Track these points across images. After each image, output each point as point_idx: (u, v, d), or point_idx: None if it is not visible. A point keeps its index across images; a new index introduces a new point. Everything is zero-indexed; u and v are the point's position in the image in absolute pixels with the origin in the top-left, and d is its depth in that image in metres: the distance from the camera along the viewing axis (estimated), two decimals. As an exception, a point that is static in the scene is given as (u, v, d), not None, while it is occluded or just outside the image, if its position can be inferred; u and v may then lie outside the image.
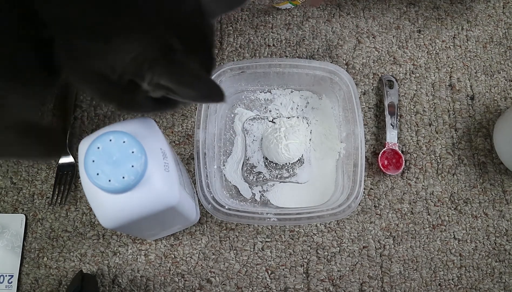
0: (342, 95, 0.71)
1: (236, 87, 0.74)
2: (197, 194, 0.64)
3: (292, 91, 0.75)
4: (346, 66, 0.78)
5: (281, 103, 0.75)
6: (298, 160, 0.72)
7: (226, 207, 0.63)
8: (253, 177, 0.72)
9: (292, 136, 0.71)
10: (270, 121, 0.74)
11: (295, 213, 0.66)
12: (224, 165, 0.72)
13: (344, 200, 0.65)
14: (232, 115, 0.75)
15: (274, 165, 0.72)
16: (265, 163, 0.72)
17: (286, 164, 0.72)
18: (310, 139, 0.73)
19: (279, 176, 0.72)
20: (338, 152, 0.72)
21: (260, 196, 0.71)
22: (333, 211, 0.64)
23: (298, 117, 0.74)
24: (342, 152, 0.71)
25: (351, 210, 0.64)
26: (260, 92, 0.75)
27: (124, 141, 0.46)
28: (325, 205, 0.68)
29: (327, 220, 0.66)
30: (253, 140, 0.73)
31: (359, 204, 0.71)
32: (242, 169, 0.72)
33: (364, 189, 0.72)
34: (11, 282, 0.67)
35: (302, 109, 0.75)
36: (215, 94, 0.46)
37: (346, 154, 0.70)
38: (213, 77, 0.68)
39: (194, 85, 0.46)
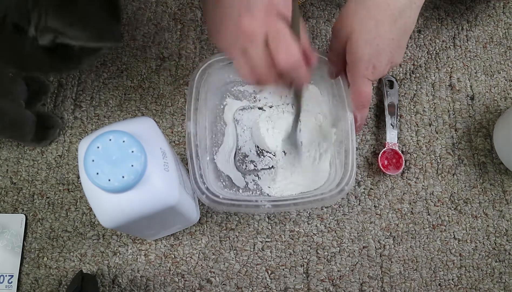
0: (330, 82, 0.70)
1: (225, 79, 0.73)
2: (191, 186, 0.63)
3: None
4: (346, 66, 0.78)
5: (269, 93, 0.74)
6: (290, 147, 0.72)
7: (221, 197, 0.62)
8: (246, 166, 0.72)
9: (282, 123, 0.71)
10: (259, 108, 0.74)
11: (289, 199, 0.65)
12: (216, 155, 0.72)
13: (336, 185, 0.64)
14: (222, 106, 0.74)
15: (266, 153, 0.72)
16: (257, 151, 0.72)
17: (278, 151, 0.72)
18: (300, 128, 0.72)
19: (271, 163, 0.72)
20: (330, 138, 0.71)
21: (254, 185, 0.71)
22: (325, 196, 0.63)
23: (288, 104, 0.74)
24: (333, 137, 0.70)
25: (344, 193, 0.63)
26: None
27: (123, 141, 0.46)
28: (318, 190, 0.67)
29: (320, 204, 0.65)
30: (244, 130, 0.73)
31: (359, 204, 0.71)
32: (234, 158, 0.72)
33: (364, 189, 0.72)
34: (11, 282, 0.67)
35: (292, 97, 0.74)
36: (109, 36, 0.41)
37: (337, 139, 0.69)
38: (200, 69, 0.67)
39: (84, 25, 0.40)
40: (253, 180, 0.71)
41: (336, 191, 0.63)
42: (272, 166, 0.72)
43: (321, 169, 0.71)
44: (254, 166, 0.72)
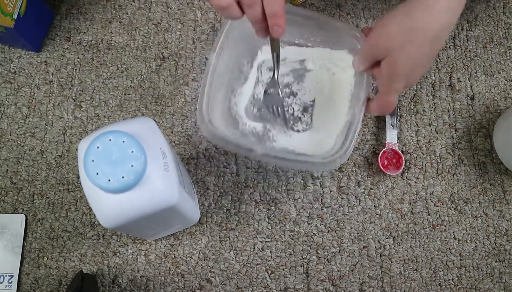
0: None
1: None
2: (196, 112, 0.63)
3: (314, 46, 0.75)
4: (346, 66, 0.78)
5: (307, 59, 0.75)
6: (305, 108, 0.72)
7: (219, 132, 0.63)
8: (258, 114, 0.71)
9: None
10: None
11: (280, 154, 0.65)
12: (233, 95, 0.71)
13: (331, 155, 0.64)
14: (257, 49, 0.74)
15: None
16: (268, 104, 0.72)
17: (292, 109, 0.72)
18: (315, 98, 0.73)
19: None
20: (345, 112, 0.70)
21: (260, 133, 0.70)
22: (315, 161, 0.63)
23: (319, 68, 0.74)
24: (347, 109, 0.70)
25: (334, 165, 0.63)
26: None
27: (123, 141, 0.46)
28: (314, 157, 0.67)
29: (308, 167, 0.65)
30: (269, 77, 0.73)
31: (359, 204, 0.71)
32: (249, 102, 0.72)
33: (364, 189, 0.72)
34: (11, 282, 0.67)
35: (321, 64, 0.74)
36: None
37: (349, 115, 0.69)
38: None
39: None
40: (261, 128, 0.70)
41: (327, 160, 0.63)
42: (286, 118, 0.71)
43: (326, 139, 0.70)
44: (264, 115, 0.71)
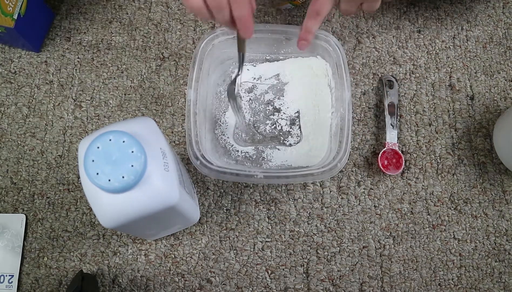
0: (332, 61, 0.72)
1: (229, 53, 0.75)
2: (186, 152, 0.65)
3: (285, 59, 0.77)
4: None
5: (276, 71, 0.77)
6: (292, 121, 0.74)
7: (214, 164, 0.65)
8: (247, 137, 0.73)
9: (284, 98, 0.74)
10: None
11: (282, 171, 0.67)
12: (218, 124, 0.73)
13: (329, 162, 0.66)
14: (230, 74, 0.76)
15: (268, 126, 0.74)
16: (254, 125, 0.74)
17: (280, 125, 0.74)
18: (298, 111, 0.74)
19: (272, 137, 0.73)
20: (330, 117, 0.73)
21: (252, 156, 0.72)
22: (317, 171, 0.65)
23: (295, 79, 0.76)
24: (331, 116, 0.72)
25: (336, 170, 0.65)
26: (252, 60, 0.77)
27: (123, 141, 0.46)
28: (314, 167, 0.68)
29: (311, 179, 0.66)
30: (249, 99, 0.75)
31: (359, 204, 0.71)
32: (236, 129, 0.73)
33: (364, 189, 0.72)
34: (12, 282, 0.67)
35: (294, 76, 0.76)
36: None
37: (336, 118, 0.71)
38: (205, 40, 0.70)
39: None
40: (253, 152, 0.72)
41: (328, 168, 0.64)
42: (273, 139, 0.73)
43: (319, 146, 0.72)
44: (257, 138, 0.73)
